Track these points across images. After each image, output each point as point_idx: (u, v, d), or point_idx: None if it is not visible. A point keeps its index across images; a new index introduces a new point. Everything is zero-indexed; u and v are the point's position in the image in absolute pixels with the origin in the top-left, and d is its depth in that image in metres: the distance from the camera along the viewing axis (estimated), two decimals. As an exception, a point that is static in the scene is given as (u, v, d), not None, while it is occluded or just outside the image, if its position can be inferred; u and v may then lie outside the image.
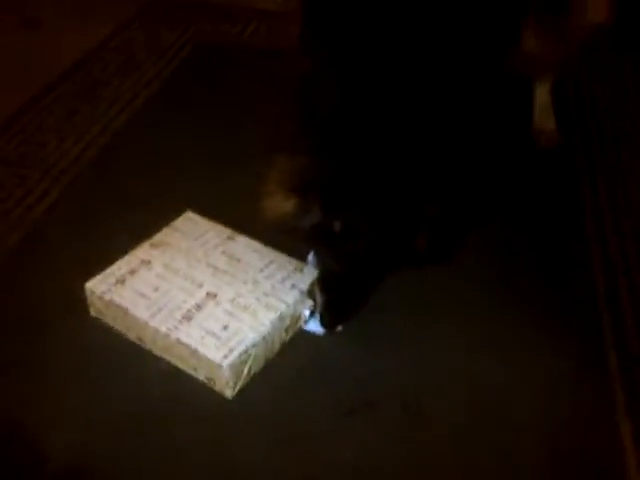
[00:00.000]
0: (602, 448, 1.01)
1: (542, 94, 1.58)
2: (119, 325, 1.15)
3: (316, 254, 1.15)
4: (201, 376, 1.07)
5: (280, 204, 1.03)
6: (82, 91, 1.77)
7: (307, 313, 1.14)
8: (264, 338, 1.07)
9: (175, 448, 0.98)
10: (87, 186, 1.46)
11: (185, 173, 1.48)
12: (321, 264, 1.13)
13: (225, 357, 1.02)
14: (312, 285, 1.15)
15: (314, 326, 1.14)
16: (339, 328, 1.13)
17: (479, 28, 1.01)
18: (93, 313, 1.18)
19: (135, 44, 1.98)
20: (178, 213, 1.30)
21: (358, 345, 1.14)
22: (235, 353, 1.03)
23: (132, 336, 1.13)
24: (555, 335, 1.16)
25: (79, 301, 1.18)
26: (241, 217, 1.29)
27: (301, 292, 1.14)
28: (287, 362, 1.11)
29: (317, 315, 1.13)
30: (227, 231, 1.27)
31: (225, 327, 1.08)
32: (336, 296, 1.10)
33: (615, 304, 1.22)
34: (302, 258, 1.20)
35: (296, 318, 1.14)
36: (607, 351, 1.14)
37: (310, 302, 1.14)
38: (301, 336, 1.15)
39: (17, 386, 1.07)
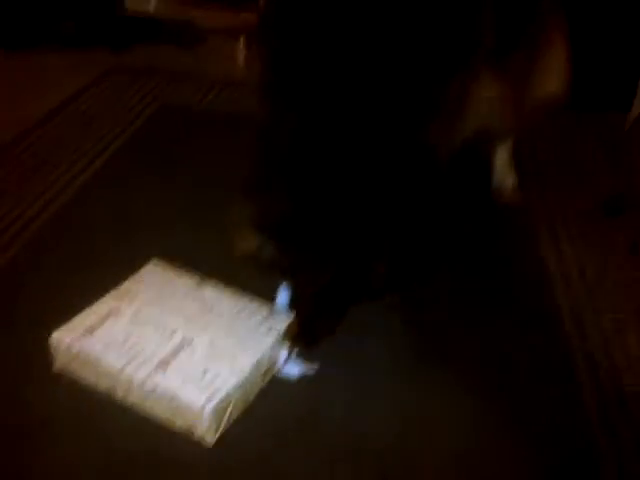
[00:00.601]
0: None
1: (502, 153, 1.64)
2: (87, 377, 1.10)
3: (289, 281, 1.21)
4: (179, 424, 1.03)
5: (245, 242, 1.09)
6: (41, 150, 1.75)
7: (284, 357, 1.13)
8: (244, 382, 1.05)
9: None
10: (49, 240, 1.42)
11: (150, 225, 1.46)
12: (293, 293, 1.20)
13: (209, 401, 0.99)
14: (287, 328, 1.15)
15: (291, 370, 1.13)
16: (311, 370, 1.13)
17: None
18: (57, 368, 1.12)
19: (98, 105, 2.00)
20: (145, 263, 1.28)
21: (335, 389, 1.13)
22: (217, 397, 1.00)
23: (102, 387, 1.09)
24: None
25: (41, 355, 1.12)
26: (209, 265, 1.29)
27: (277, 335, 1.13)
28: (266, 407, 1.09)
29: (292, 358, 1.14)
30: (196, 278, 1.25)
31: (204, 371, 1.05)
32: (312, 317, 1.17)
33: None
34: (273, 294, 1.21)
35: (273, 362, 1.12)
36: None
37: (286, 345, 1.13)
38: (278, 381, 1.13)
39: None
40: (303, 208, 1.05)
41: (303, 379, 1.13)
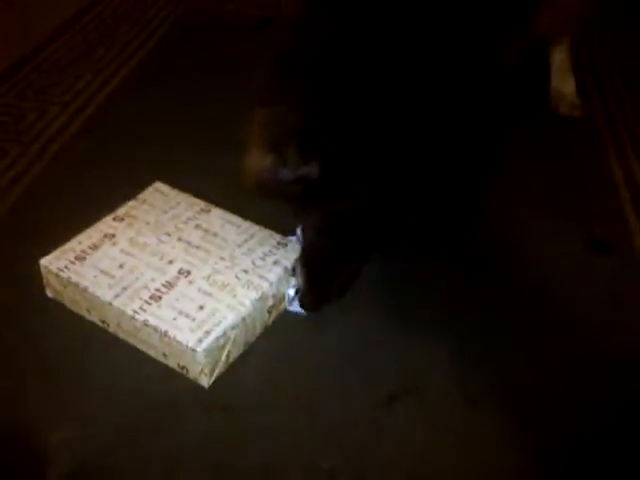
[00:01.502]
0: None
1: (560, 54, 1.46)
2: (79, 307, 1.01)
3: (298, 222, 1.03)
4: (172, 363, 0.94)
5: (259, 160, 0.90)
6: (53, 68, 1.63)
7: (292, 293, 1.02)
8: (244, 319, 0.95)
9: (150, 445, 0.87)
10: (63, 163, 1.33)
11: (162, 146, 1.35)
12: (304, 236, 1.02)
13: (200, 341, 0.90)
14: (296, 262, 1.03)
15: (297, 306, 1.02)
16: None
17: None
18: (50, 294, 1.05)
19: (118, 13, 1.88)
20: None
21: (347, 328, 1.02)
22: (212, 336, 0.91)
23: (94, 318, 1.00)
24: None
25: (34, 280, 1.04)
26: (218, 191, 1.17)
27: (285, 269, 1.02)
28: (269, 347, 0.99)
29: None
30: (201, 203, 1.14)
31: (200, 307, 0.95)
32: (318, 274, 0.98)
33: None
34: (286, 233, 1.08)
35: (279, 298, 1.02)
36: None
37: (294, 280, 1.02)
38: (285, 318, 1.03)
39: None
40: (334, 118, 0.85)
41: (312, 317, 1.02)
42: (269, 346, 0.99)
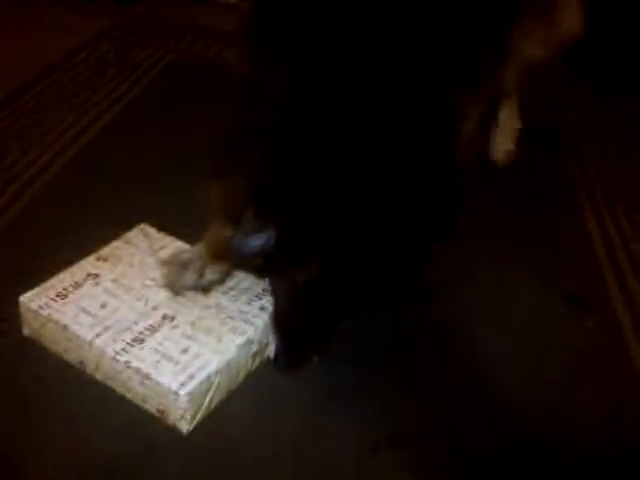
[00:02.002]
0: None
1: (508, 109, 1.52)
2: (57, 346, 0.99)
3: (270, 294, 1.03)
4: (151, 408, 0.92)
5: (218, 233, 0.94)
6: (49, 101, 1.65)
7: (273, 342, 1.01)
8: (229, 364, 0.94)
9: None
10: (45, 202, 1.32)
11: (148, 188, 1.35)
12: (273, 299, 0.99)
13: (183, 385, 0.88)
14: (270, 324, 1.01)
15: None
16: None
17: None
18: (26, 332, 1.02)
19: (106, 58, 1.89)
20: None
21: (331, 377, 1.01)
22: (196, 380, 0.89)
23: (72, 359, 0.98)
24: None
25: (12, 318, 1.01)
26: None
27: (270, 316, 1.01)
28: (252, 393, 0.97)
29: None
30: (186, 247, 1.14)
31: (184, 350, 0.94)
32: (292, 337, 0.96)
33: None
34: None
35: (264, 344, 1.01)
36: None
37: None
38: (269, 364, 1.01)
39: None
40: (295, 181, 0.84)
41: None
42: (252, 392, 0.98)
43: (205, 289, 1.03)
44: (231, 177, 0.90)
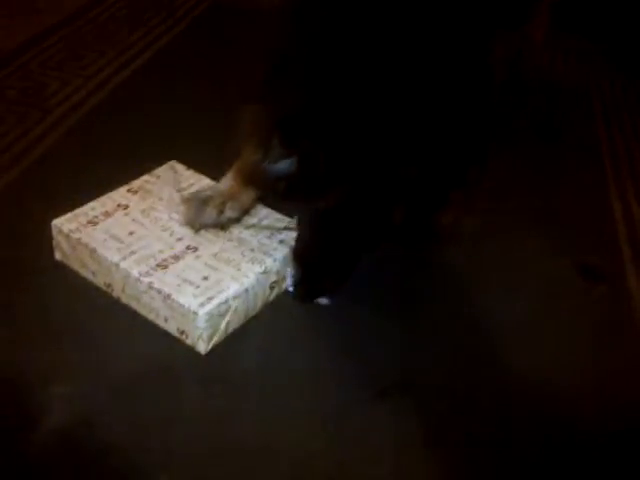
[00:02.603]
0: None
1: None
2: (85, 270, 1.04)
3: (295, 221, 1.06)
4: (172, 328, 0.96)
5: (250, 157, 0.94)
6: (88, 37, 1.69)
7: (292, 273, 1.04)
8: (247, 291, 0.97)
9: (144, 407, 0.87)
10: (81, 133, 1.36)
11: (179, 128, 1.38)
12: (298, 229, 1.04)
13: (202, 305, 0.92)
14: (290, 253, 1.04)
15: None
16: (324, 301, 1.04)
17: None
18: (58, 256, 1.07)
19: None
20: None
21: (348, 317, 1.03)
22: (214, 302, 0.93)
23: (99, 282, 1.02)
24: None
25: (44, 242, 1.06)
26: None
27: (290, 248, 1.04)
28: (268, 323, 1.01)
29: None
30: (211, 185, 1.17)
31: (205, 278, 0.97)
32: (311, 268, 1.00)
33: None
34: (293, 216, 1.11)
35: (282, 276, 1.04)
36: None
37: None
38: (286, 297, 1.05)
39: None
40: (321, 113, 0.86)
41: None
42: (268, 322, 1.01)
43: (224, 226, 1.06)
44: (263, 104, 0.92)
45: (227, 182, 1.08)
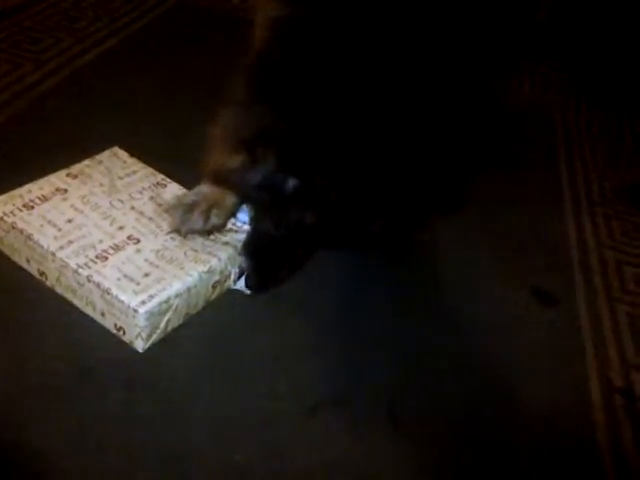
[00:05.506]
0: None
1: None
2: (18, 256, 0.99)
3: (254, 213, 1.05)
4: (109, 324, 0.93)
5: (224, 159, 0.91)
6: (48, 21, 1.62)
7: (236, 272, 1.04)
8: (189, 290, 0.96)
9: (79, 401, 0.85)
10: (29, 113, 1.31)
11: (130, 116, 1.34)
12: (256, 225, 1.03)
13: (143, 303, 0.90)
14: (243, 243, 1.04)
15: (242, 285, 1.03)
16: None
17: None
18: (-11, 240, 1.02)
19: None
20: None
21: (286, 309, 1.04)
22: (155, 300, 0.91)
23: (33, 270, 0.98)
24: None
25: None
26: (176, 167, 1.16)
27: (235, 249, 1.03)
28: (207, 323, 1.00)
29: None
30: (158, 176, 1.14)
31: (146, 274, 0.95)
32: (265, 258, 0.99)
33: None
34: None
35: (225, 276, 1.03)
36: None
37: (240, 261, 1.03)
38: (227, 296, 1.04)
39: None
40: (316, 121, 0.83)
41: (254, 295, 1.03)
42: (207, 323, 1.00)
43: (210, 232, 1.04)
44: (254, 106, 0.88)
45: (208, 187, 1.05)
